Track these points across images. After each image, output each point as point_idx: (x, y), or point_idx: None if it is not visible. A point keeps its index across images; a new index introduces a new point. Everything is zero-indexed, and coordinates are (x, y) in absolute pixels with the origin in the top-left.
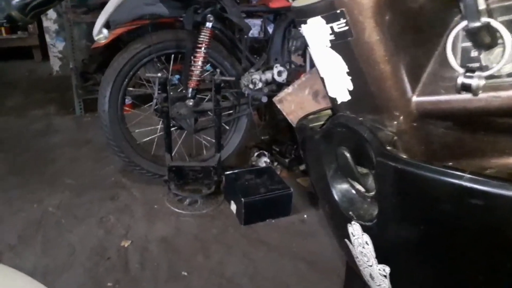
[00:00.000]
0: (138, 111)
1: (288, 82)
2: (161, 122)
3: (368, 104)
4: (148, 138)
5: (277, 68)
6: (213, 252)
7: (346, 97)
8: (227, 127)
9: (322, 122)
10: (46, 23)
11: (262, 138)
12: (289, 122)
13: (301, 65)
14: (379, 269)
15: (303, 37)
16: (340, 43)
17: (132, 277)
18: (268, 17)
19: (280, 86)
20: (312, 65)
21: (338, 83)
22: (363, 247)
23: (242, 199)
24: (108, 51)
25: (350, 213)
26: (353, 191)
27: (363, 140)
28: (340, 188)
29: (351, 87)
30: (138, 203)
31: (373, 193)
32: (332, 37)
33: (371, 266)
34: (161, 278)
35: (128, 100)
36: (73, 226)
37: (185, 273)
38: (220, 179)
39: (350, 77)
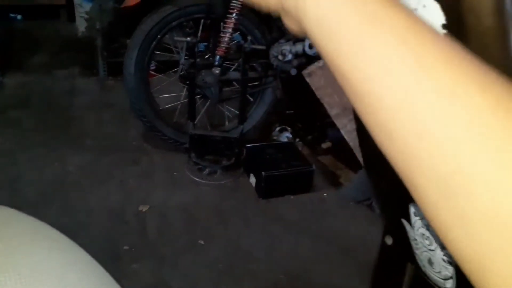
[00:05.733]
0: (163, 76)
1: (319, 56)
2: (185, 89)
3: None
4: (171, 105)
5: (309, 40)
6: (231, 224)
7: None
8: (251, 99)
9: None
10: None
11: (287, 112)
12: (316, 97)
13: None
14: (444, 255)
15: None
16: None
17: (149, 241)
18: None
19: (311, 60)
20: None
21: None
22: (427, 229)
23: (263, 172)
24: (135, 14)
25: None
26: None
27: None
28: None
29: None
30: (158, 169)
31: None
32: None
33: (432, 250)
34: (178, 245)
35: (152, 65)
36: (93, 187)
37: (202, 242)
38: (241, 151)
39: None
